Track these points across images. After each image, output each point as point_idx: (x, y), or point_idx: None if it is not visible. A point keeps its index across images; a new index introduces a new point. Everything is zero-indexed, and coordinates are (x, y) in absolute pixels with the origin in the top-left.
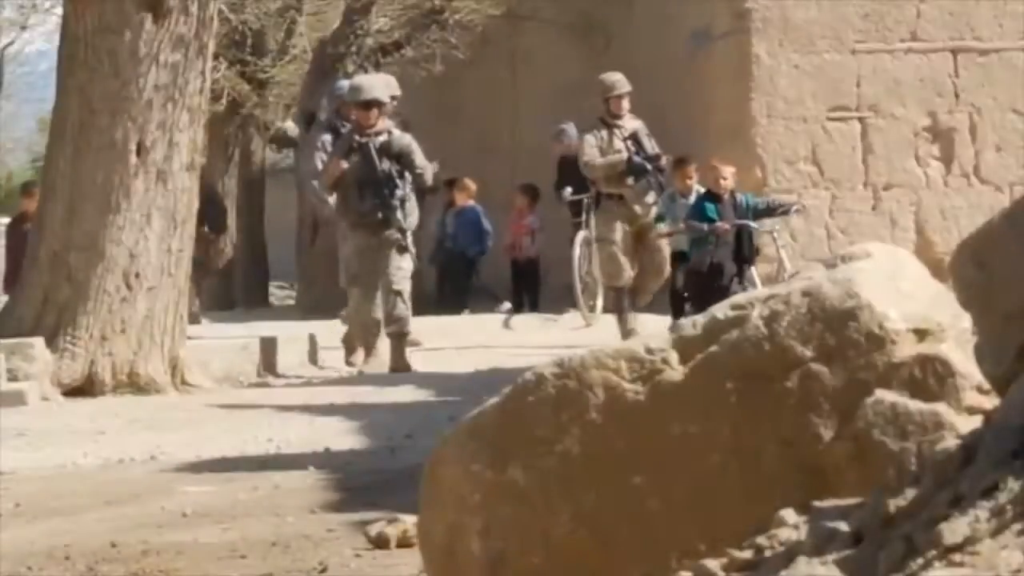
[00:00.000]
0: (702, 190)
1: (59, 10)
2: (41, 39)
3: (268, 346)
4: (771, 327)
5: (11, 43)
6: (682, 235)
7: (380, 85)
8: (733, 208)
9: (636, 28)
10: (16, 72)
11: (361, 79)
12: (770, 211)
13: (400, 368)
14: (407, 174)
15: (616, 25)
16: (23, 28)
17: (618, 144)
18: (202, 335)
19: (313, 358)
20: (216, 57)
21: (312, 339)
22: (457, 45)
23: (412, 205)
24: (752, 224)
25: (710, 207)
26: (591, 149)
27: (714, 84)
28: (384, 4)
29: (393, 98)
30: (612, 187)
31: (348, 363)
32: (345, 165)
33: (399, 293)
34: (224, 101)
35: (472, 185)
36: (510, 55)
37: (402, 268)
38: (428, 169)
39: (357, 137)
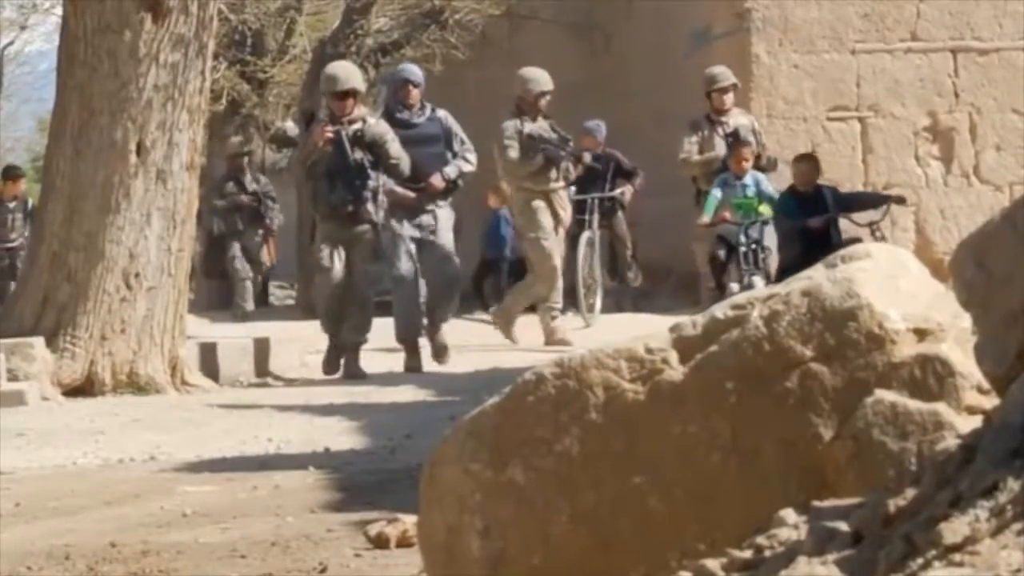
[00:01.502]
0: (759, 175)
1: (59, 10)
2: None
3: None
4: (771, 327)
5: (11, 43)
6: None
7: (356, 73)
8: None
9: (636, 28)
10: (16, 72)
11: (336, 69)
12: (861, 203)
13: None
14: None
15: (616, 25)
16: (23, 28)
17: (718, 141)
18: (200, 334)
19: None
20: (216, 57)
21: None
22: (457, 45)
23: (383, 197)
24: (841, 217)
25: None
26: (689, 146)
27: None
28: (384, 4)
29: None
30: (709, 185)
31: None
32: (330, 134)
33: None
34: (224, 101)
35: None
36: (510, 55)
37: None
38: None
39: (331, 126)
